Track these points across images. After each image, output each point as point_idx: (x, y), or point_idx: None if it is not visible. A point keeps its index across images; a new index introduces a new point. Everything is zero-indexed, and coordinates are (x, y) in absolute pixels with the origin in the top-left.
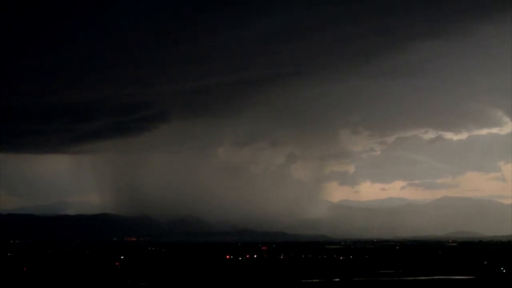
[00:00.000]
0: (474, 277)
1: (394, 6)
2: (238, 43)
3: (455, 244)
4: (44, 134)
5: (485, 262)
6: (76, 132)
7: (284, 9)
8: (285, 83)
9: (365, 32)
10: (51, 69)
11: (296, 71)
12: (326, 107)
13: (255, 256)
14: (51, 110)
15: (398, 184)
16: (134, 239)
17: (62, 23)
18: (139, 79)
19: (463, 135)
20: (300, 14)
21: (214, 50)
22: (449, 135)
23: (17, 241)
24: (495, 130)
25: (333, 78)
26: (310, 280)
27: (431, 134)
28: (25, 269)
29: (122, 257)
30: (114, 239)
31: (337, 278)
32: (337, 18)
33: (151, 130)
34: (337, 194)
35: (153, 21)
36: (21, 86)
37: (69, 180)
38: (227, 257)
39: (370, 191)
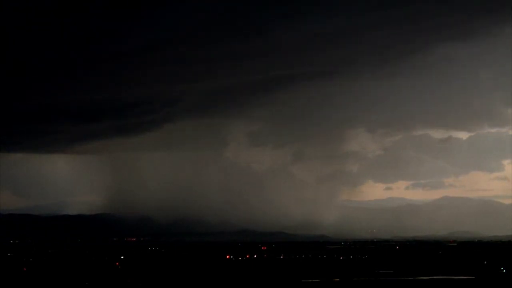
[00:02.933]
0: (474, 277)
1: (413, 13)
2: (248, 47)
3: (455, 244)
4: (44, 134)
5: (485, 262)
6: (76, 132)
7: (305, 17)
8: (296, 83)
9: (384, 36)
10: (52, 69)
11: (311, 71)
12: (335, 107)
13: (255, 256)
14: (52, 110)
15: (402, 184)
16: (134, 239)
17: (66, 24)
18: (141, 79)
19: (474, 134)
20: (322, 21)
21: (221, 52)
22: (460, 135)
23: (17, 241)
24: (505, 129)
25: (348, 79)
26: (310, 280)
27: (442, 134)
28: (25, 269)
29: (122, 257)
30: (114, 239)
31: (337, 278)
32: (357, 25)
33: (153, 130)
34: (339, 194)
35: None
36: (21, 86)
37: (69, 180)
38: (227, 257)
39: (373, 191)
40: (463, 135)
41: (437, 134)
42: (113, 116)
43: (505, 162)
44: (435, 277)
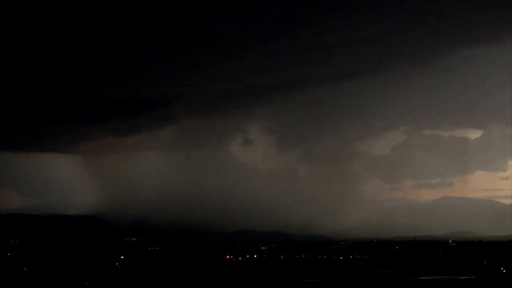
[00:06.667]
0: (474, 277)
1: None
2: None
3: (455, 244)
4: (44, 134)
5: (485, 262)
6: (76, 132)
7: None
8: (302, 84)
9: (410, 36)
10: (51, 69)
11: (317, 73)
12: (342, 107)
13: (255, 256)
14: (52, 110)
15: (405, 183)
16: (134, 239)
17: (69, 24)
18: (143, 79)
19: (484, 134)
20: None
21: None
22: (471, 134)
23: (17, 241)
24: None
25: (360, 80)
26: (310, 280)
27: (452, 133)
28: (25, 269)
29: (122, 257)
30: (114, 239)
31: (337, 278)
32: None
33: (154, 130)
34: (340, 193)
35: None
36: (22, 87)
37: (69, 180)
38: (227, 257)
39: (375, 191)
40: (474, 134)
41: (447, 133)
42: (115, 116)
43: (510, 161)
44: (435, 277)
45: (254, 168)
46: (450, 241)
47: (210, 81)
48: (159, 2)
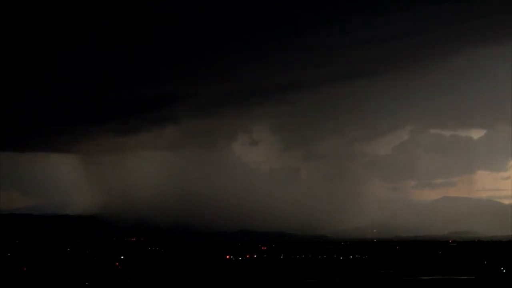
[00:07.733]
0: (474, 277)
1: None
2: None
3: (455, 244)
4: (44, 134)
5: (485, 262)
6: (76, 132)
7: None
8: (303, 85)
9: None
10: (52, 69)
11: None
12: (344, 107)
13: (255, 256)
14: (52, 110)
15: (406, 183)
16: (134, 239)
17: (69, 24)
18: (143, 79)
19: (487, 133)
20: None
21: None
22: (474, 133)
23: (17, 241)
24: None
25: (357, 79)
26: (311, 280)
27: (454, 132)
28: (25, 269)
29: (122, 257)
30: (114, 239)
31: (337, 278)
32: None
33: (154, 130)
34: (341, 193)
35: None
36: (22, 87)
37: (69, 180)
38: (227, 257)
39: (375, 191)
40: (477, 134)
41: (451, 132)
42: (115, 116)
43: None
44: (435, 277)
45: (255, 168)
46: (450, 241)
47: (211, 81)
48: (159, 2)
